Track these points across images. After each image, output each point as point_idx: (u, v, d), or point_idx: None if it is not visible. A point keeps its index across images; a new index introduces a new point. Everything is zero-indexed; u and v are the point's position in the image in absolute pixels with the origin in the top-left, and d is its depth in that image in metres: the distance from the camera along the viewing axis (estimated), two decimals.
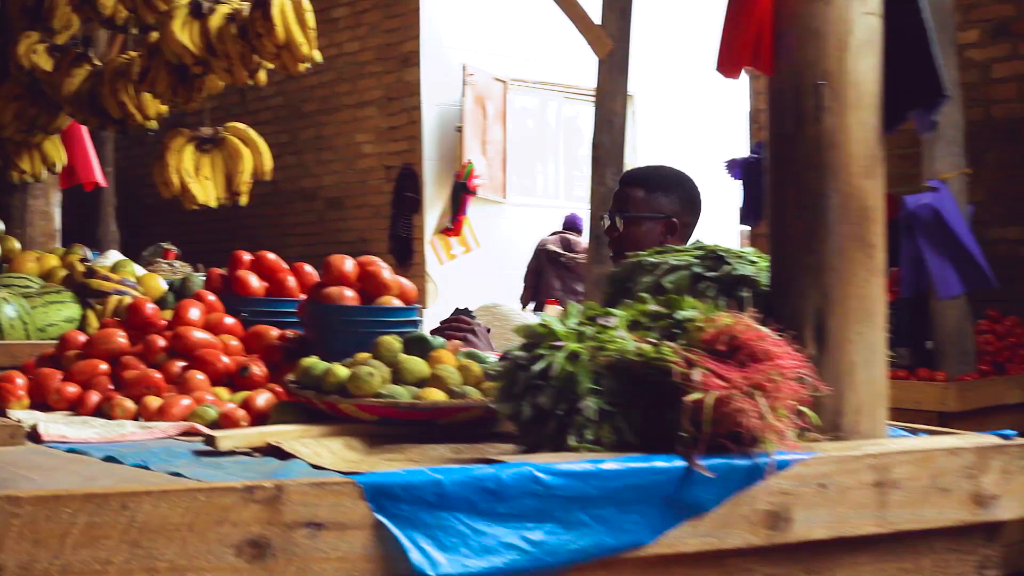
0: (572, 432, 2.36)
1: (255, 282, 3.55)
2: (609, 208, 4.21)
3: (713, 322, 2.46)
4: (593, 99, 15.37)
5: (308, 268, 3.67)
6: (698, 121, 16.08)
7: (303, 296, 3.61)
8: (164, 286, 5.24)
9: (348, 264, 3.24)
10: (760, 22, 2.70)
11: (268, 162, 4.56)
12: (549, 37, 14.18)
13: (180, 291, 4.69)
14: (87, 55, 5.16)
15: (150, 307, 3.35)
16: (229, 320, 3.36)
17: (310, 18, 4.20)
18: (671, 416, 2.34)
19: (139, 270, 5.27)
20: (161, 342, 3.21)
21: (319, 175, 14.80)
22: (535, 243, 12.67)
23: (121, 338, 3.27)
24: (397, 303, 3.22)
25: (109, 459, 2.44)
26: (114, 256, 11.75)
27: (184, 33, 4.36)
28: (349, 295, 3.18)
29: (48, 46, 5.30)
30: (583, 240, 12.58)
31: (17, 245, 5.34)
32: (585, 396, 2.37)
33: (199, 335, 3.22)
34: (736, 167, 10.89)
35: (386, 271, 3.25)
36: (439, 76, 13.49)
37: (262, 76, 4.41)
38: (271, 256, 3.62)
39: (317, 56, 4.21)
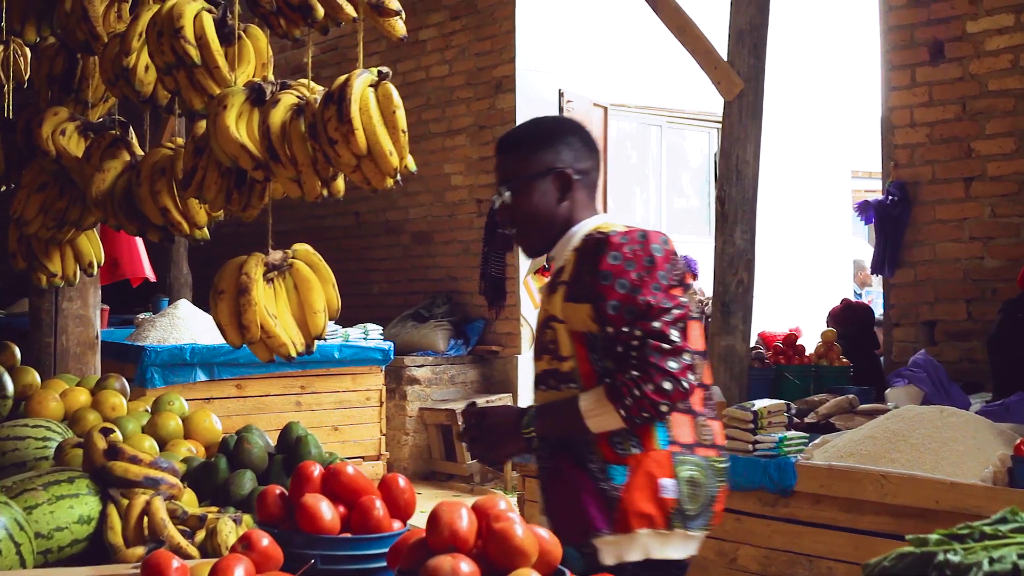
0: None
1: (328, 512, 2.49)
2: (498, 189, 3.47)
3: None
4: (698, 123, 14.59)
5: (401, 482, 2.61)
6: (826, 156, 15.02)
7: (397, 524, 2.57)
8: (218, 426, 4.23)
9: (463, 520, 2.16)
10: None
11: (337, 297, 3.51)
12: (650, 58, 13.23)
13: (233, 453, 3.68)
14: (126, 140, 4.12)
15: (176, 565, 2.30)
16: None
17: (401, 118, 3.12)
18: None
19: (185, 404, 4.26)
20: None
21: (405, 208, 13.86)
22: None
23: None
24: None
25: None
26: (186, 309, 10.85)
27: (241, 128, 3.30)
28: (466, 570, 2.12)
29: (79, 125, 4.26)
30: (695, 285, 11.58)
31: (37, 379, 4.33)
32: None
33: None
34: (869, 210, 9.79)
35: (519, 527, 2.17)
36: (534, 102, 12.54)
37: (340, 185, 3.35)
38: (349, 470, 2.56)
39: (411, 165, 3.15)
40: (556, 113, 12.51)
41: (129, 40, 3.76)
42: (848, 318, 9.36)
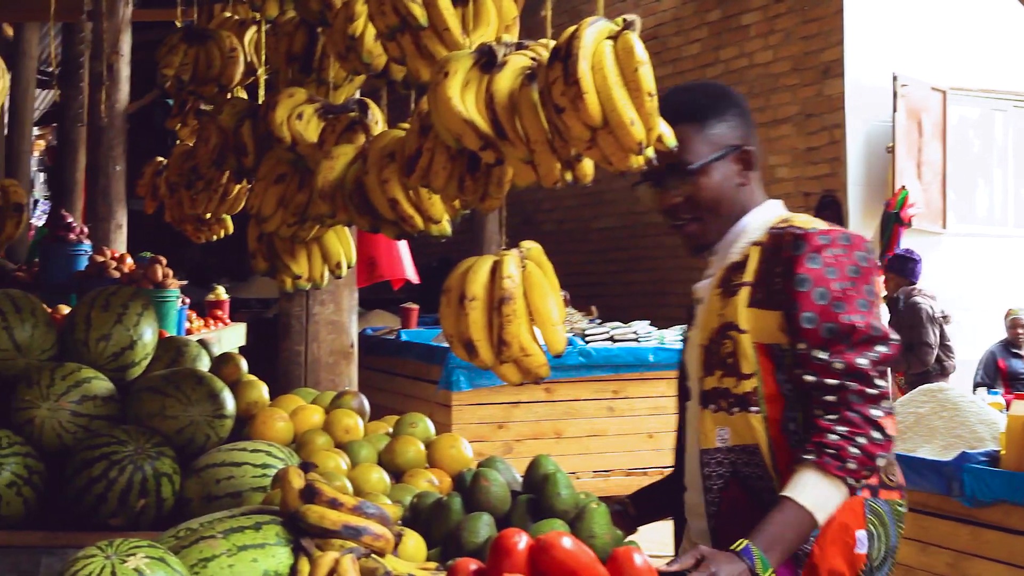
0: None
1: None
2: (646, 174, 2.90)
3: None
4: None
5: (638, 560, 1.96)
6: None
7: None
8: (468, 453, 3.66)
9: None
10: None
11: (563, 307, 2.87)
12: (995, 35, 12.13)
13: (469, 491, 3.08)
14: (364, 123, 3.60)
15: None
16: None
17: (645, 76, 2.43)
18: None
19: (431, 426, 3.70)
20: None
21: None
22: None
23: None
24: None
25: None
26: None
27: (468, 99, 2.71)
28: None
29: (319, 108, 3.76)
30: (919, 285, 10.64)
31: (264, 395, 3.85)
32: None
33: None
34: None
35: None
36: (866, 88, 11.71)
37: (587, 168, 2.71)
38: (565, 543, 1.92)
39: (667, 140, 2.48)
40: (891, 100, 11.63)
41: (353, 4, 3.23)
42: None
